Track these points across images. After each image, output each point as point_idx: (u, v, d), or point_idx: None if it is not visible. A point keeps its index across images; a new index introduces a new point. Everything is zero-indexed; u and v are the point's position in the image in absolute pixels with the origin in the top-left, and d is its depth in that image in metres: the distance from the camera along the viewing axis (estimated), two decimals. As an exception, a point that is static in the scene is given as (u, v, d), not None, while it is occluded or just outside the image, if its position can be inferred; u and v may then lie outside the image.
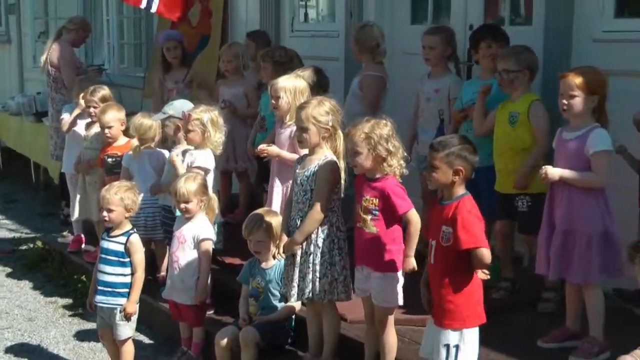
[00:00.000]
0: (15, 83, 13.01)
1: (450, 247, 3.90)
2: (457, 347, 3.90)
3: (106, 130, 6.55)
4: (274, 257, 4.89)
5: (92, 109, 6.92)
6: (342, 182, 4.56)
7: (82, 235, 7.30)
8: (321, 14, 8.67)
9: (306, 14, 8.46)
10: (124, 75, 10.32)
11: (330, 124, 4.53)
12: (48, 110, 9.02)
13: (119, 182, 5.38)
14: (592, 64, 4.68)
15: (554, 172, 4.36)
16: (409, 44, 6.52)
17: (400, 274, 4.29)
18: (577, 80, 4.32)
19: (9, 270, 7.66)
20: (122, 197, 5.01)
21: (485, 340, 4.12)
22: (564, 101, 4.37)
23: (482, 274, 4.00)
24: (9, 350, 5.85)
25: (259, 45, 7.14)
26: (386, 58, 6.23)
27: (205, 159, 5.56)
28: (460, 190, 3.96)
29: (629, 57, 5.13)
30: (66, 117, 7.46)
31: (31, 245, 8.02)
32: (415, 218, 4.22)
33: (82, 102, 7.15)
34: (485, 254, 3.84)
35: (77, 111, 7.32)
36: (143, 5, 8.14)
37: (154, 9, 8.21)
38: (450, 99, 5.69)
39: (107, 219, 5.05)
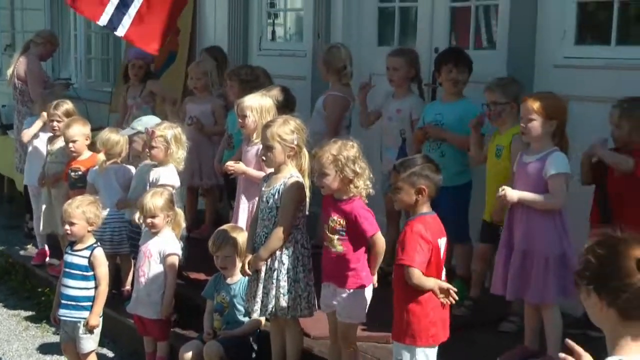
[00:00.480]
0: (-20, 95, 12.90)
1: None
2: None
3: (70, 144, 6.56)
4: (242, 273, 4.92)
5: (55, 123, 6.93)
6: (307, 200, 4.64)
7: (47, 249, 7.28)
8: (289, 32, 8.77)
9: (274, 33, 8.57)
10: (91, 89, 10.33)
11: (296, 142, 4.60)
12: (14, 123, 9.01)
13: (81, 196, 5.41)
14: (553, 89, 4.82)
15: (512, 194, 4.46)
16: (376, 65, 6.63)
17: (367, 290, 4.37)
18: (535, 104, 4.43)
19: (-28, 284, 7.63)
20: (84, 211, 5.03)
21: (447, 357, 4.20)
22: (522, 125, 4.49)
23: (443, 298, 4.05)
24: (-31, 363, 5.83)
25: (219, 61, 7.25)
26: (353, 79, 6.34)
27: (170, 175, 5.62)
28: (424, 208, 4.05)
29: (588, 83, 5.27)
30: (28, 129, 7.46)
31: (-5, 259, 7.98)
32: (380, 241, 4.32)
33: (44, 115, 7.16)
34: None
35: (39, 123, 7.32)
36: (102, 22, 7.14)
37: (120, 33, 7.19)
38: (412, 119, 5.81)
39: (69, 232, 5.07)
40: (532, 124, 4.44)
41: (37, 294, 6.92)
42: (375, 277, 4.38)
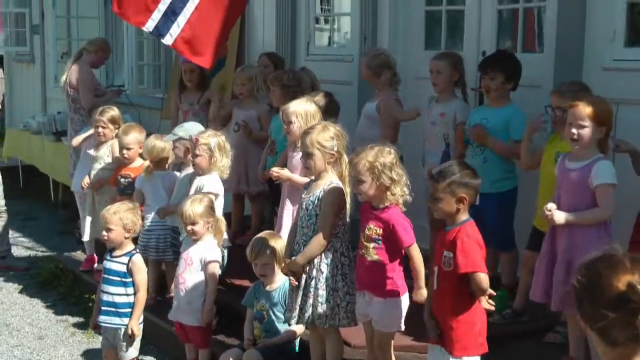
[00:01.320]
0: (38, 102, 13.15)
1: (451, 272, 3.90)
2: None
3: (124, 151, 6.61)
4: (291, 283, 4.83)
5: (100, 129, 6.99)
6: (348, 207, 4.56)
7: (95, 255, 7.34)
8: (336, 37, 8.71)
9: (329, 38, 8.52)
10: (143, 96, 10.40)
11: (336, 149, 4.54)
12: (67, 130, 9.13)
13: (120, 202, 5.43)
14: (602, 93, 4.66)
15: (559, 216, 4.29)
16: (422, 69, 6.53)
17: (403, 299, 4.29)
18: (588, 110, 4.26)
19: (22, 287, 7.72)
20: (121, 217, 5.04)
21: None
22: (574, 130, 4.29)
23: (486, 304, 3.98)
24: (16, 368, 5.90)
25: (277, 67, 7.21)
26: (400, 83, 6.26)
27: (213, 184, 5.60)
28: (463, 216, 3.96)
29: (639, 87, 5.10)
30: (78, 135, 7.55)
31: (46, 264, 8.07)
32: (416, 254, 4.23)
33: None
34: (483, 279, 3.83)
35: (90, 131, 7.39)
36: (147, 28, 7.05)
37: (167, 41, 7.09)
38: (457, 123, 5.70)
39: (106, 238, 5.08)
40: (584, 130, 4.26)
41: (84, 300, 6.99)
42: (424, 291, 4.23)
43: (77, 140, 7.54)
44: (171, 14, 7.04)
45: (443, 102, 5.82)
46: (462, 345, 3.91)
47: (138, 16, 7.07)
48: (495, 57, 5.65)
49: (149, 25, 7.00)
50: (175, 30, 7.03)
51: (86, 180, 7.09)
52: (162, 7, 7.00)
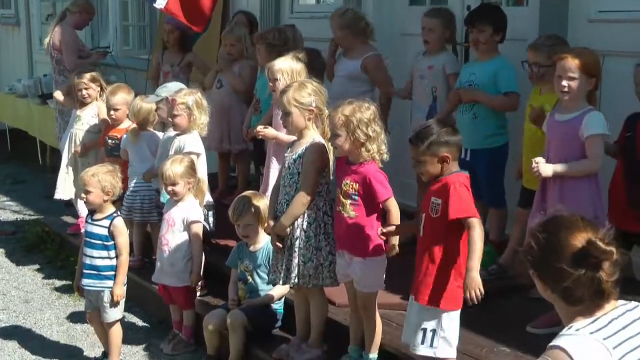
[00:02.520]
0: (24, 65, 13.00)
1: (438, 218, 3.82)
2: (434, 331, 3.83)
3: (112, 112, 6.52)
4: (272, 245, 4.76)
5: (83, 91, 6.90)
6: (331, 165, 4.50)
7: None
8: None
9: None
10: (128, 57, 10.28)
11: (314, 104, 4.46)
12: (53, 93, 9.03)
13: (100, 164, 5.36)
14: (588, 45, 4.58)
15: (546, 169, 4.23)
16: (408, 26, 6.43)
17: (383, 257, 4.23)
18: (576, 61, 4.19)
19: (8, 251, 7.68)
20: (99, 180, 4.95)
21: (474, 324, 4.06)
22: (564, 83, 4.22)
23: None
24: (1, 332, 5.85)
25: (252, 25, 7.14)
26: (385, 39, 6.16)
27: (194, 143, 5.54)
28: (454, 168, 3.87)
29: (625, 38, 5.02)
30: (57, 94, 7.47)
31: (33, 227, 8.02)
32: (394, 208, 4.17)
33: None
34: (477, 224, 3.73)
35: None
36: None
37: (159, 5, 7.20)
38: (447, 74, 5.62)
39: (85, 199, 5.01)
40: (574, 82, 4.20)
41: (70, 263, 6.91)
42: (397, 243, 4.18)
43: (58, 94, 7.42)
44: None
45: (430, 55, 5.72)
46: (439, 296, 3.81)
47: None
48: (482, 10, 5.57)
49: None
50: None
51: (75, 148, 7.02)
52: None
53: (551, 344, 2.24)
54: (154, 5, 7.26)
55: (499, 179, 5.38)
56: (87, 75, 6.89)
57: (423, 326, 3.86)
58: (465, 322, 4.04)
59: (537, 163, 4.25)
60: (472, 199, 3.85)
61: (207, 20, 7.29)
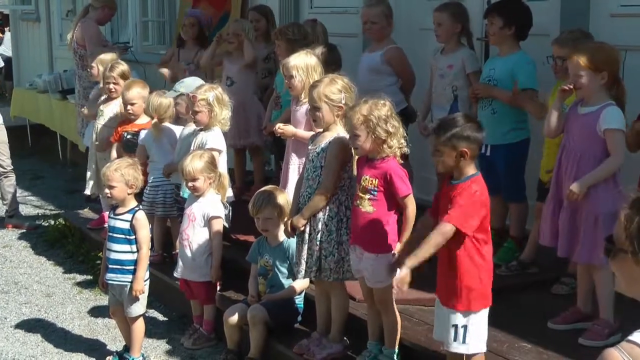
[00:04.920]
0: (44, 61, 13.10)
1: None
2: (465, 327, 3.83)
3: (128, 107, 6.54)
4: (285, 234, 4.84)
5: (111, 85, 6.91)
6: (354, 160, 4.50)
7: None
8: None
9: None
10: (148, 52, 10.30)
11: (344, 101, 4.46)
12: (75, 88, 9.09)
13: (120, 158, 5.38)
14: (609, 40, 4.56)
15: (578, 186, 4.21)
16: (426, 20, 6.40)
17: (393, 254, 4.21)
18: (582, 59, 4.21)
19: (31, 246, 7.74)
20: (122, 174, 4.97)
21: (495, 320, 4.05)
22: (574, 80, 4.27)
23: None
24: (24, 325, 5.90)
25: (268, 19, 7.12)
26: (403, 34, 6.14)
27: (216, 139, 5.54)
28: (470, 170, 3.84)
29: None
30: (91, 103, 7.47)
31: (54, 222, 8.08)
32: (412, 204, 4.15)
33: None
34: (448, 230, 3.70)
35: (96, 92, 7.34)
36: None
37: None
38: (467, 73, 5.59)
39: (109, 195, 5.04)
40: (582, 80, 4.22)
41: (91, 258, 6.99)
42: (399, 246, 4.12)
43: (87, 114, 7.45)
44: None
45: (448, 53, 5.70)
46: (466, 299, 3.82)
47: None
48: (498, 2, 5.53)
49: None
50: None
51: (93, 141, 7.06)
52: None
53: (629, 337, 2.14)
54: None
55: (518, 174, 5.36)
56: (118, 70, 6.88)
57: (454, 323, 3.85)
58: (487, 318, 4.03)
59: (571, 192, 4.23)
60: (480, 208, 3.80)
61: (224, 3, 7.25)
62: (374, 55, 6.00)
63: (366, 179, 4.20)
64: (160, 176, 6.16)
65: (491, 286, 3.93)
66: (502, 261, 5.18)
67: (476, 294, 3.84)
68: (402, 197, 4.14)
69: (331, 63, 5.63)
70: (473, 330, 3.86)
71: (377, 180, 4.16)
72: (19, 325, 5.89)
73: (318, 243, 4.46)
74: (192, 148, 5.52)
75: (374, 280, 4.27)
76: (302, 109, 5.31)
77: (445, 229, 3.72)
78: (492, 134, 5.10)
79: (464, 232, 3.72)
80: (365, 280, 4.32)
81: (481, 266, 3.85)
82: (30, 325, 5.89)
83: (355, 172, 4.46)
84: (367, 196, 4.19)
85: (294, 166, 5.44)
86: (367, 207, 4.20)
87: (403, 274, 3.76)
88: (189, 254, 5.26)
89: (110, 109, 7.05)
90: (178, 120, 6.22)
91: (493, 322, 4.02)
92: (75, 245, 7.45)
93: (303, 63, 5.23)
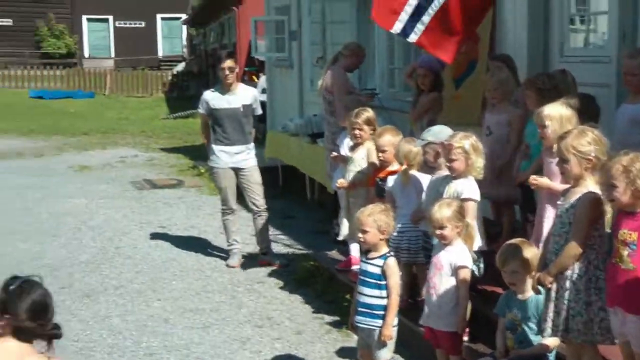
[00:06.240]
0: (295, 105, 13.78)
1: None
2: None
3: (380, 154, 6.78)
4: (533, 290, 4.82)
5: (356, 131, 7.19)
6: (606, 217, 4.41)
7: (357, 257, 7.56)
8: (592, 39, 8.40)
9: (585, 38, 8.25)
10: (394, 99, 10.58)
11: (593, 154, 4.41)
12: (324, 132, 9.51)
13: (374, 204, 5.57)
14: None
15: None
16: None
17: None
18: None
19: (282, 283, 8.16)
20: (375, 219, 5.16)
21: None
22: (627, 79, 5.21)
23: None
24: (277, 360, 6.25)
25: (510, 67, 7.12)
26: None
27: (471, 189, 5.61)
28: None
29: None
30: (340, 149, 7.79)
31: (304, 262, 8.46)
32: None
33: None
34: None
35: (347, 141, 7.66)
36: (395, 30, 7.29)
37: (412, 39, 7.27)
38: None
39: (362, 239, 5.24)
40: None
41: (339, 299, 7.25)
42: None
43: (336, 158, 7.80)
44: (417, 15, 7.19)
45: None
46: None
47: (386, 19, 7.30)
48: None
49: (397, 27, 7.20)
50: (419, 28, 7.18)
51: (341, 181, 7.35)
52: (408, 8, 7.17)
53: None
54: (407, 39, 7.47)
55: None
56: (363, 117, 7.16)
57: None
58: None
59: None
60: None
61: (455, 52, 7.37)
62: (637, 107, 5.82)
63: (624, 232, 4.09)
64: (407, 222, 6.31)
65: None
66: None
67: None
68: None
69: (588, 115, 5.52)
70: None
71: (637, 233, 4.04)
72: (272, 360, 6.24)
73: (565, 302, 4.41)
74: (444, 196, 5.62)
75: (638, 345, 4.12)
76: (556, 161, 5.25)
77: None
78: None
79: None
80: (632, 345, 4.17)
81: None
82: (283, 360, 6.24)
83: (608, 229, 4.38)
84: (626, 251, 4.08)
85: (548, 219, 5.37)
86: (627, 264, 4.08)
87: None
88: (435, 302, 5.35)
89: (359, 155, 7.32)
90: (424, 168, 6.36)
91: None
92: (323, 285, 7.76)
93: (557, 113, 5.21)
